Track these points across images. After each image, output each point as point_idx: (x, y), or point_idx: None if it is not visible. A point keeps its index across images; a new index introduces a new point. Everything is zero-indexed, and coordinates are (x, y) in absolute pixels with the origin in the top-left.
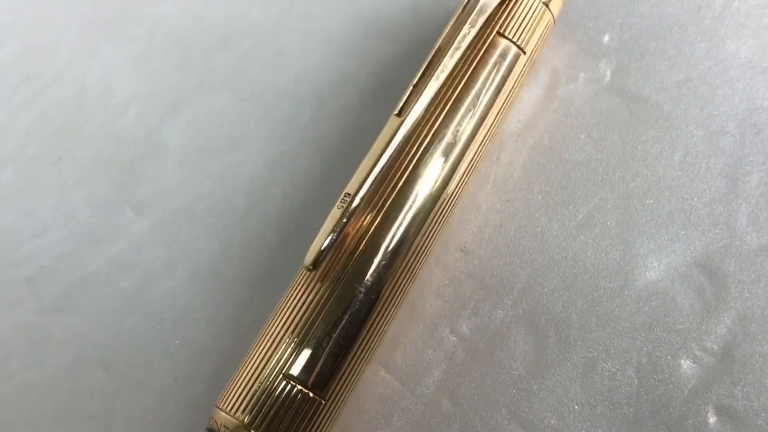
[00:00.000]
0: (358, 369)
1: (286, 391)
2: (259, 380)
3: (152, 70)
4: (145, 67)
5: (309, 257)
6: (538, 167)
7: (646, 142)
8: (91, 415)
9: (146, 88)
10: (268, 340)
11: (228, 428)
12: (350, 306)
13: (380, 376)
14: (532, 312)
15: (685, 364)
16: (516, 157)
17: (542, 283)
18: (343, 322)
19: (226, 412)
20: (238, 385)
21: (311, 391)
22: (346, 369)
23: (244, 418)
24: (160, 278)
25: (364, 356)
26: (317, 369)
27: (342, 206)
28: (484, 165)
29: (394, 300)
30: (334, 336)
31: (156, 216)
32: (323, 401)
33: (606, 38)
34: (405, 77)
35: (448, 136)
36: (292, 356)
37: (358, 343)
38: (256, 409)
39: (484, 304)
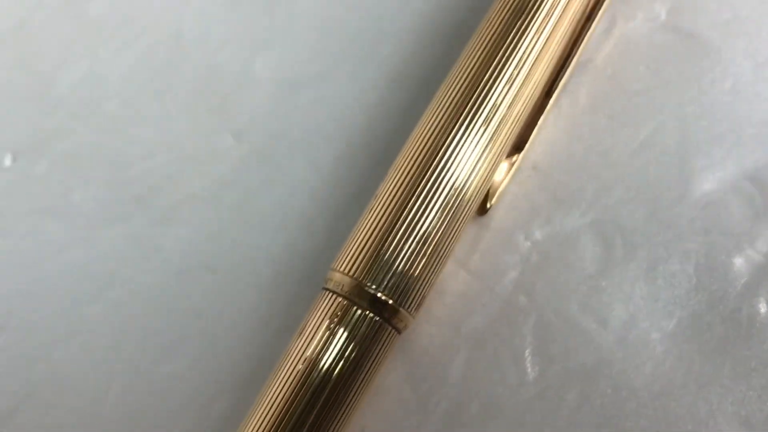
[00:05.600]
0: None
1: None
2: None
3: (242, 12)
4: (235, 9)
5: None
6: (602, 94)
7: (699, 73)
8: (199, 314)
9: (238, 28)
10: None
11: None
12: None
13: (461, 276)
14: (600, 221)
15: (738, 262)
16: (581, 87)
17: (609, 195)
18: None
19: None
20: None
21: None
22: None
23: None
24: (259, 195)
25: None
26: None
27: None
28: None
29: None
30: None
31: (253, 140)
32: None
33: None
34: (479, 17)
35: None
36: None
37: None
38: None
39: (556, 213)
